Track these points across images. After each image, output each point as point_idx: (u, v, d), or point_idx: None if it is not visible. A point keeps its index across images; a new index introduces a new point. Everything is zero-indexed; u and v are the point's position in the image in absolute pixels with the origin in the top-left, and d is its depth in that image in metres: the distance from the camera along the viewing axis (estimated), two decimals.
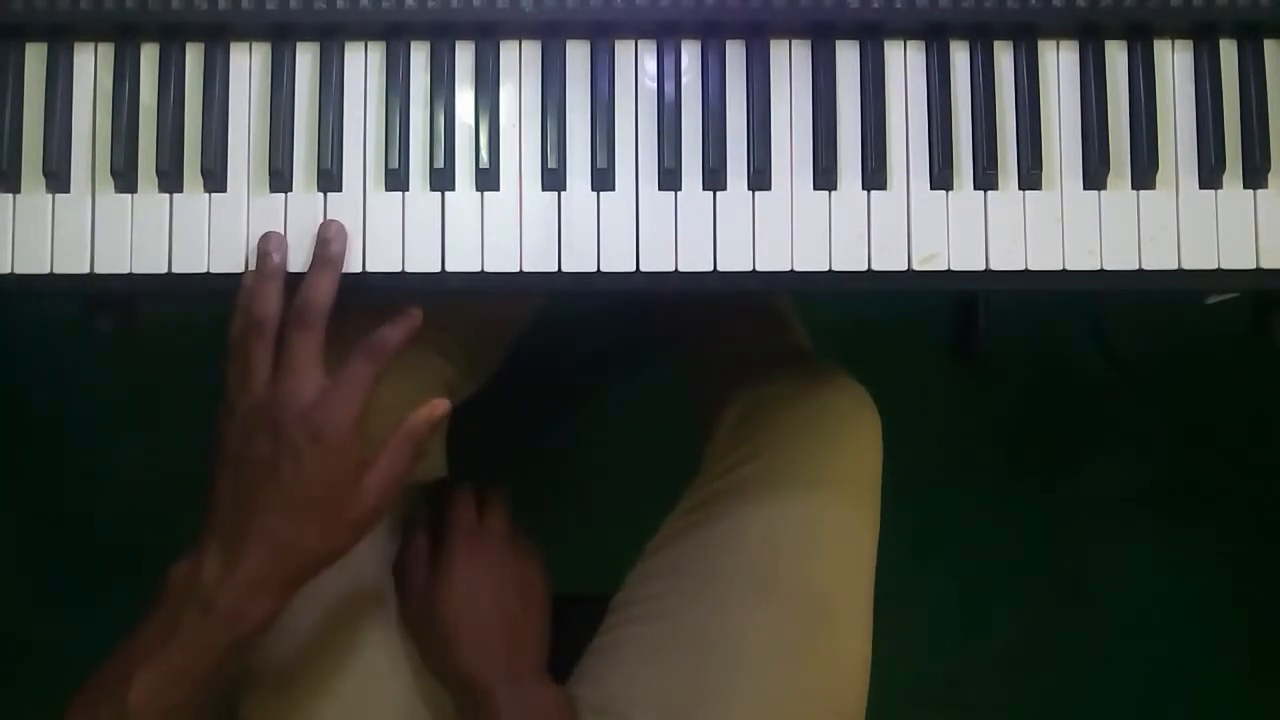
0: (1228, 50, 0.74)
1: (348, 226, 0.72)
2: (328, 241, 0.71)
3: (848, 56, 0.74)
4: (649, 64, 0.74)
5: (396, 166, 0.72)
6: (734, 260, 0.73)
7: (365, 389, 0.69)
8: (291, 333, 0.69)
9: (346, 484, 0.68)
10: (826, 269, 0.73)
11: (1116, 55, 0.74)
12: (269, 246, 0.71)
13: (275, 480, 0.67)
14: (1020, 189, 0.73)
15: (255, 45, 0.73)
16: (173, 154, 0.72)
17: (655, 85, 0.74)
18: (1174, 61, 0.75)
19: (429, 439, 0.71)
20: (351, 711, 0.79)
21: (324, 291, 0.70)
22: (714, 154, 0.73)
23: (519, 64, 0.74)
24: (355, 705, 0.79)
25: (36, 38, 0.73)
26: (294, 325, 0.69)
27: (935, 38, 0.74)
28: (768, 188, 0.73)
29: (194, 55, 0.73)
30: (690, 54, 0.74)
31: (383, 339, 0.70)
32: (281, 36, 0.73)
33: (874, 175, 0.73)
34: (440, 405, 0.71)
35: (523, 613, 0.82)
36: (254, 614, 0.67)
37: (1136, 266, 0.73)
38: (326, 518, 0.68)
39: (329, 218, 0.72)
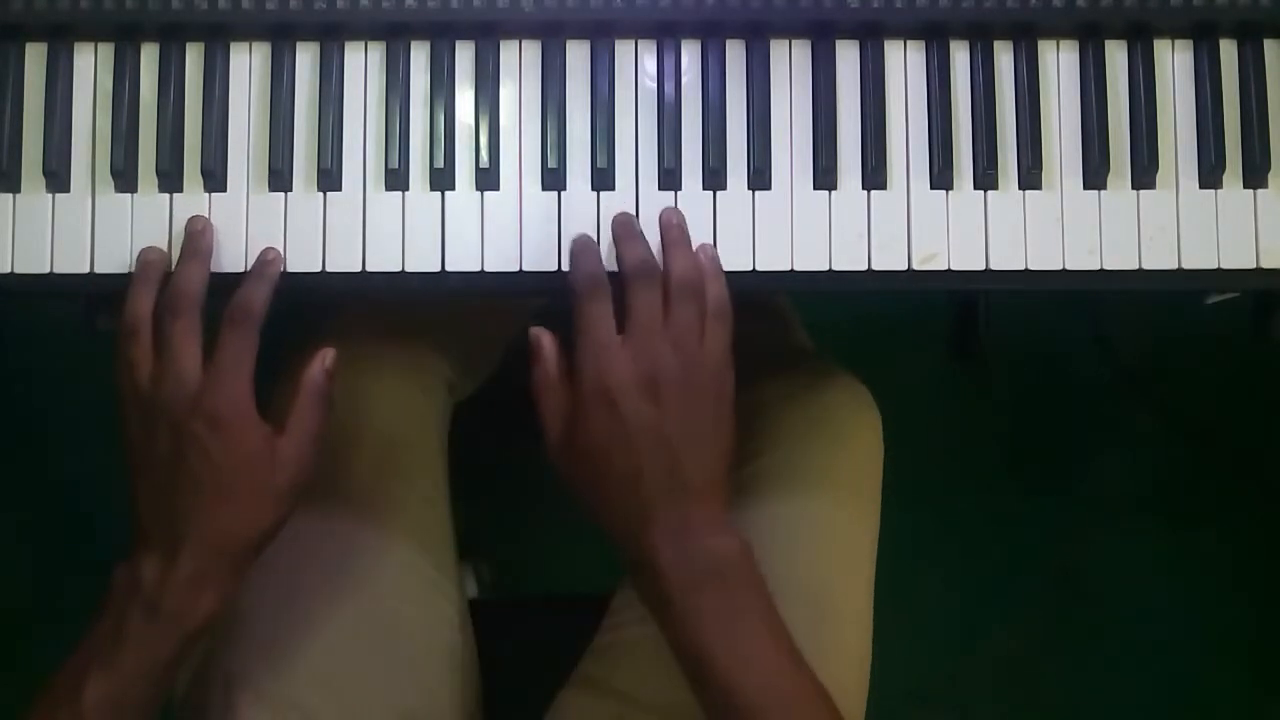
0: (1228, 50, 0.74)
1: (348, 226, 0.72)
2: (197, 234, 0.71)
3: (848, 56, 0.74)
4: (649, 64, 0.74)
5: (396, 166, 0.72)
6: (734, 260, 0.73)
7: (246, 359, 0.67)
8: (165, 323, 0.68)
9: (261, 458, 0.67)
10: (826, 269, 0.73)
11: (1116, 55, 0.74)
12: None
13: (187, 474, 0.66)
14: (1020, 189, 0.73)
15: (255, 45, 0.73)
16: (173, 154, 0.72)
17: (655, 85, 0.74)
18: (1174, 61, 0.75)
19: (331, 387, 0.70)
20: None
21: (194, 280, 0.69)
22: (714, 154, 0.73)
23: (519, 64, 0.74)
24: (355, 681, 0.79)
25: (36, 38, 0.73)
26: (167, 315, 0.68)
27: (935, 38, 0.74)
28: (768, 188, 0.73)
29: (194, 55, 0.73)
30: (690, 54, 0.74)
31: (246, 303, 0.69)
32: (281, 36, 0.73)
33: (874, 175, 0.73)
34: (329, 352, 0.70)
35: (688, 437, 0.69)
36: (202, 607, 0.67)
37: (1136, 266, 0.73)
38: (252, 495, 0.67)
39: (330, 218, 0.72)
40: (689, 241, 0.71)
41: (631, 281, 0.69)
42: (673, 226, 0.71)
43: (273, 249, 0.72)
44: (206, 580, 0.67)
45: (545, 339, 0.70)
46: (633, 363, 0.67)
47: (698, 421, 0.68)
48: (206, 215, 0.72)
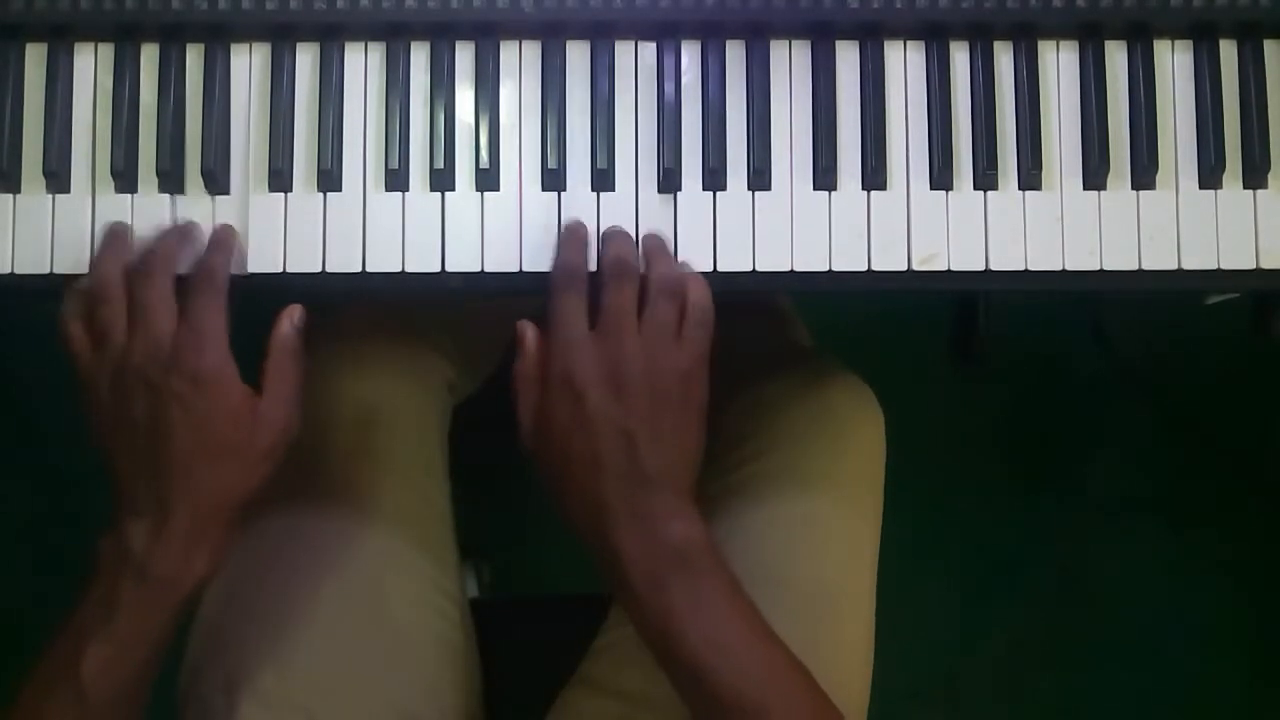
0: (1228, 50, 0.74)
1: (348, 226, 0.72)
2: (178, 225, 0.71)
3: (848, 56, 0.74)
4: (649, 64, 0.74)
5: (396, 166, 0.72)
6: (734, 260, 0.73)
7: (219, 320, 0.67)
8: (140, 284, 0.67)
9: (243, 416, 0.67)
10: (826, 269, 0.73)
11: (1116, 55, 0.74)
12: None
13: (171, 433, 0.66)
14: (1020, 189, 0.73)
15: (255, 45, 0.73)
16: (173, 154, 0.72)
17: (655, 85, 0.74)
18: (1174, 61, 0.75)
19: (301, 343, 0.70)
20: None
21: (164, 245, 0.69)
22: (714, 154, 0.73)
23: (519, 64, 0.74)
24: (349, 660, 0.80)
25: (36, 38, 0.73)
26: (141, 277, 0.68)
27: (935, 38, 0.74)
28: (768, 188, 0.73)
29: (194, 55, 0.73)
30: (690, 54, 0.74)
31: (209, 270, 0.68)
32: (281, 36, 0.73)
33: (874, 175, 0.73)
34: (295, 309, 0.70)
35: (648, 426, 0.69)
36: (193, 571, 0.67)
37: (1136, 266, 0.73)
38: (237, 453, 0.67)
39: (330, 218, 0.72)
40: (670, 253, 0.72)
41: (608, 278, 0.69)
42: (652, 236, 0.72)
43: (227, 225, 0.72)
44: (196, 542, 0.67)
45: (530, 333, 0.70)
46: (598, 358, 0.68)
47: (661, 421, 0.68)
48: (210, 216, 0.72)
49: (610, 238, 0.71)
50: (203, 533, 0.67)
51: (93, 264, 0.69)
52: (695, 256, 0.72)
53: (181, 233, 0.71)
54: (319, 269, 0.72)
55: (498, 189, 0.73)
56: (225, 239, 0.71)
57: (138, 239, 0.71)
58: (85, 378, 0.68)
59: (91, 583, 0.67)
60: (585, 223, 0.72)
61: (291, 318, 0.70)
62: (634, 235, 0.73)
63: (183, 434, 0.66)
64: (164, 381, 0.66)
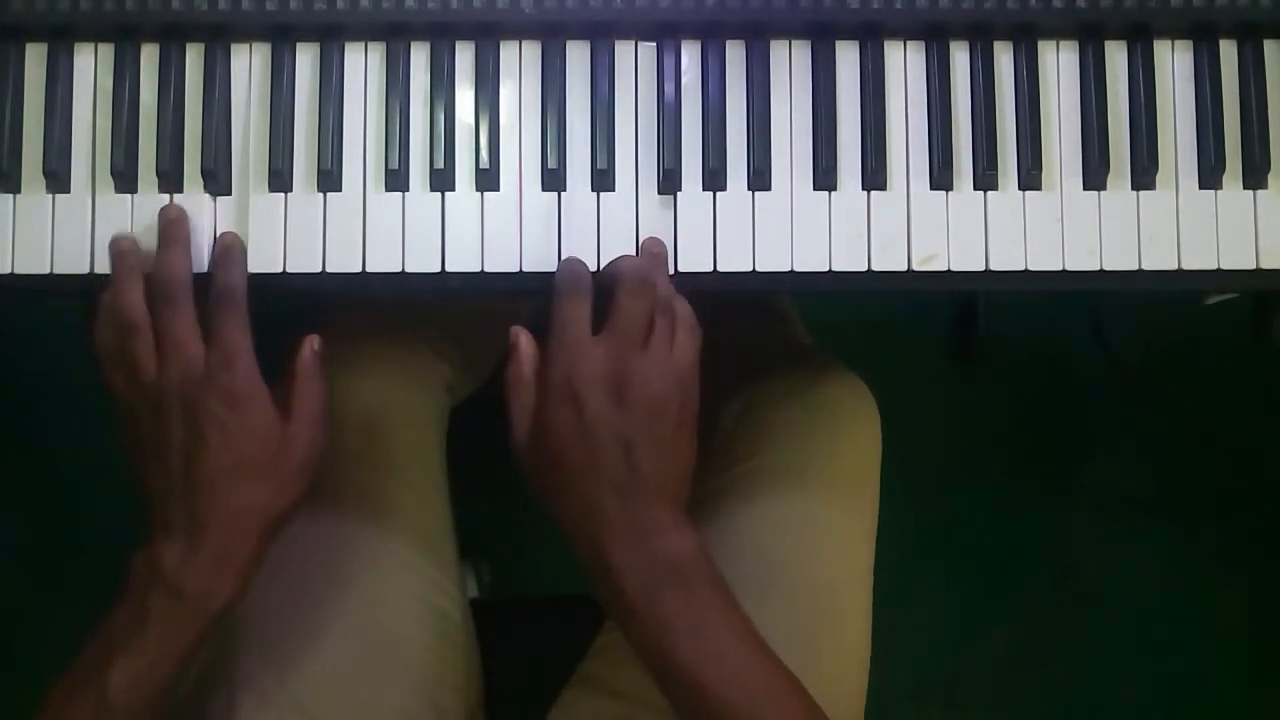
0: (1228, 50, 0.74)
1: (348, 227, 0.72)
2: (173, 222, 0.71)
3: (848, 56, 0.74)
4: (649, 64, 0.74)
5: (396, 166, 0.72)
6: (734, 260, 0.73)
7: (245, 338, 0.68)
8: (163, 313, 0.68)
9: (273, 434, 0.68)
10: (826, 269, 0.73)
11: (1116, 55, 0.74)
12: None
13: (206, 453, 0.67)
14: (1020, 189, 0.73)
15: (255, 45, 0.73)
16: (173, 154, 0.72)
17: (655, 85, 0.74)
18: (1174, 61, 0.75)
19: (320, 366, 0.71)
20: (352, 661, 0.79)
21: (181, 267, 0.69)
22: (714, 154, 0.73)
23: (519, 64, 0.74)
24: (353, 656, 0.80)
25: (36, 38, 0.73)
26: (164, 305, 0.68)
27: (935, 38, 0.74)
28: (768, 188, 0.73)
29: (194, 55, 0.73)
30: (690, 54, 0.74)
31: (227, 285, 0.69)
32: (281, 36, 0.73)
33: (874, 175, 0.73)
34: (314, 338, 0.71)
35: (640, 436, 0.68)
36: (223, 590, 0.67)
37: (1136, 267, 0.73)
38: (268, 471, 0.68)
39: (330, 218, 0.72)
40: (665, 269, 0.72)
41: (625, 288, 0.69)
42: (652, 241, 0.72)
43: (230, 232, 0.72)
44: (227, 562, 0.67)
45: (523, 338, 0.70)
46: (603, 363, 0.68)
47: (660, 429, 0.68)
48: (210, 216, 0.72)
49: (622, 257, 0.72)
50: (233, 552, 0.67)
51: (112, 294, 0.69)
52: (695, 257, 0.72)
53: (187, 243, 0.71)
54: (319, 269, 0.72)
55: (498, 189, 0.73)
56: (234, 249, 0.71)
57: (145, 246, 0.71)
58: (123, 407, 0.69)
59: (123, 598, 0.67)
60: (588, 236, 0.72)
61: (312, 345, 0.71)
62: (634, 236, 0.73)
63: (216, 452, 0.67)
64: (199, 402, 0.67)
